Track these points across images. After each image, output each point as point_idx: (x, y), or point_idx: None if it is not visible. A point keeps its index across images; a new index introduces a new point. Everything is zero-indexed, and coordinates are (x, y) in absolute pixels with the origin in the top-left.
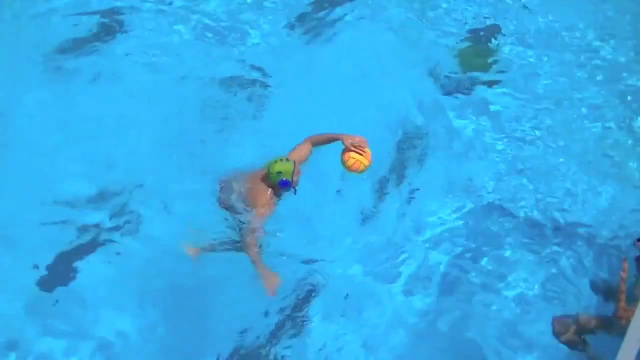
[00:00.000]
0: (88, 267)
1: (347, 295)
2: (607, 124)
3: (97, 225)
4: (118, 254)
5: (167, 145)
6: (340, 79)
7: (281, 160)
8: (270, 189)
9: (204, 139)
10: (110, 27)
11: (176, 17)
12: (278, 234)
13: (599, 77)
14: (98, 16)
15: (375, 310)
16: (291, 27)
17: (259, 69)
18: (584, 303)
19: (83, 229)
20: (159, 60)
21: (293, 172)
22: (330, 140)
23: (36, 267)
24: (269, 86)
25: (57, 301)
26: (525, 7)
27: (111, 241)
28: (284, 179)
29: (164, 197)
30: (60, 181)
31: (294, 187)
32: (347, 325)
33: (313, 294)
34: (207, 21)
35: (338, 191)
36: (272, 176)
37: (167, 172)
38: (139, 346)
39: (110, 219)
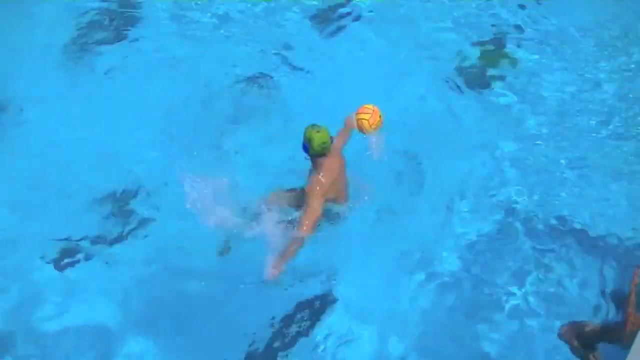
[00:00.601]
0: (97, 267)
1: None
2: (626, 129)
3: (102, 228)
4: (125, 261)
5: (182, 142)
6: (360, 74)
7: (317, 129)
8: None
9: (220, 136)
10: (128, 19)
11: (195, 8)
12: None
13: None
14: (116, 6)
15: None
16: (312, 19)
17: (278, 60)
18: (593, 309)
19: (88, 231)
20: (175, 53)
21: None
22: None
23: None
24: (287, 78)
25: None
26: (547, 13)
27: (117, 246)
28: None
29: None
30: (70, 178)
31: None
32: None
33: (326, 300)
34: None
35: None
36: (319, 148)
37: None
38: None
39: (117, 224)
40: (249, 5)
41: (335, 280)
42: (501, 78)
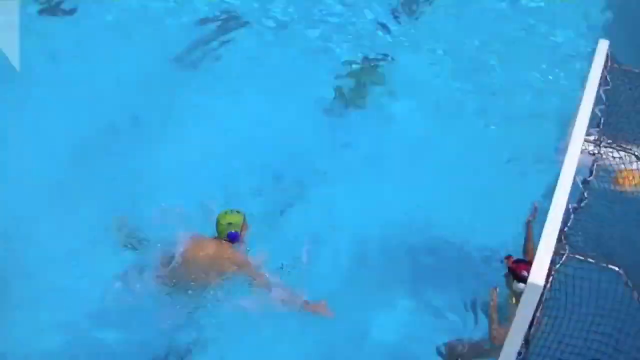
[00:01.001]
0: None
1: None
2: (497, 137)
3: None
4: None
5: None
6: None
7: (231, 211)
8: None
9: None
10: None
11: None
12: None
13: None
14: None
15: None
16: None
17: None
18: (462, 326)
19: None
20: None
21: (242, 225)
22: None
23: None
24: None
25: None
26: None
27: None
28: (234, 231)
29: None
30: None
31: (241, 241)
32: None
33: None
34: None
35: None
36: (221, 227)
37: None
38: None
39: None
40: None
41: None
42: (379, 93)
